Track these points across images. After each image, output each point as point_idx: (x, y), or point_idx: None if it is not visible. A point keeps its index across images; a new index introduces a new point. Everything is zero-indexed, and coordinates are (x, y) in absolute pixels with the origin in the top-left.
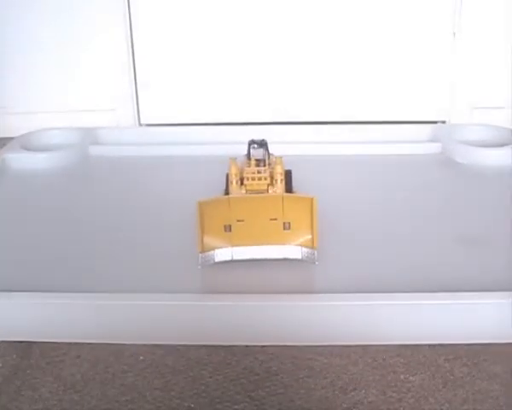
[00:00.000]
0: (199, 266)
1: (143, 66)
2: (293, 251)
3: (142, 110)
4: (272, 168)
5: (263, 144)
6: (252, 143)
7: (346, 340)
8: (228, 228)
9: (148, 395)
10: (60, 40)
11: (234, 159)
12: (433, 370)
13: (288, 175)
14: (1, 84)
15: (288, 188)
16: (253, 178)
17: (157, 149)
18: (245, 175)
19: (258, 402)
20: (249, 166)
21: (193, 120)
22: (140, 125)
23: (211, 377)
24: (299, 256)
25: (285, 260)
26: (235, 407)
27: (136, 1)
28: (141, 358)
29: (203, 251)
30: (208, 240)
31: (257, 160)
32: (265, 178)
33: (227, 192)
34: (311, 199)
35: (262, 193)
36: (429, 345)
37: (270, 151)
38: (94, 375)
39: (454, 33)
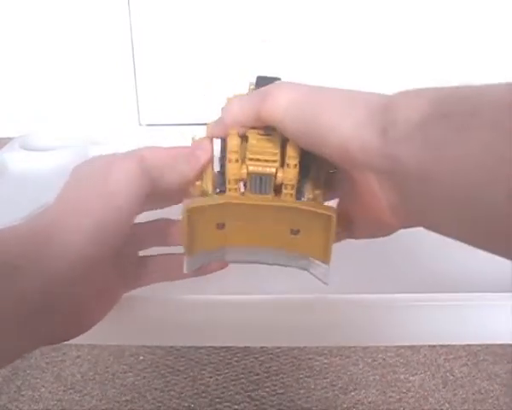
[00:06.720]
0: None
1: (143, 66)
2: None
3: (142, 110)
4: None
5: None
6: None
7: (346, 340)
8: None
9: (148, 395)
10: (59, 40)
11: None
12: (433, 370)
13: None
14: (1, 84)
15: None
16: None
17: None
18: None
19: (258, 402)
20: None
21: (193, 120)
22: (140, 125)
23: (211, 377)
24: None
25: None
26: (235, 407)
27: (136, 1)
28: (141, 358)
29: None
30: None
31: None
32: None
33: None
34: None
35: None
36: (429, 345)
37: None
38: (94, 375)
39: (452, 32)
